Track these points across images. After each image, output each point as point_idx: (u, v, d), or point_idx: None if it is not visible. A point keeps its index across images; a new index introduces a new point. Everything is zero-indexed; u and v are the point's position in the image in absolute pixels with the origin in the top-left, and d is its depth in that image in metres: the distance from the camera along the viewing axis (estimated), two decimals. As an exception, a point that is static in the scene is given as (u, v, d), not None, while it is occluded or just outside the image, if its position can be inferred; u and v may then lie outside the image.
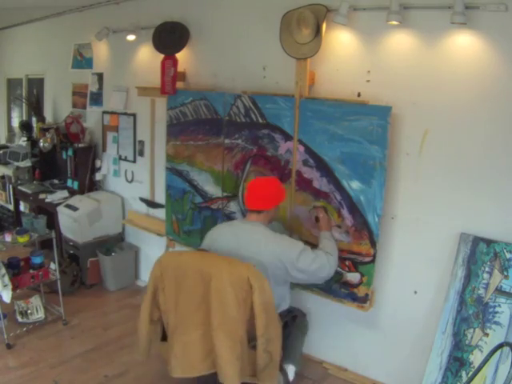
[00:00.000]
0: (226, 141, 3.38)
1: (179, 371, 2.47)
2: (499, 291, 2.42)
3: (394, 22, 2.57)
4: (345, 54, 2.89)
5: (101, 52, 4.59)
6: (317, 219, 2.90)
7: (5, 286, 3.26)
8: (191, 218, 3.68)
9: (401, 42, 2.67)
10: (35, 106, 5.36)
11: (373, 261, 2.78)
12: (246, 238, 2.65)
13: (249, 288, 2.31)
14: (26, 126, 5.54)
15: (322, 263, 2.62)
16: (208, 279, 2.34)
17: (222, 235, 2.76)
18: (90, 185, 4.65)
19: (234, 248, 2.62)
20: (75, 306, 3.89)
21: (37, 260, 3.58)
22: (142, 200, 4.28)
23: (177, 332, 2.48)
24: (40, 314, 3.63)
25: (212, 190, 3.53)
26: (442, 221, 2.64)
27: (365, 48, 2.80)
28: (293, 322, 2.84)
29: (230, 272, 2.34)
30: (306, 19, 2.82)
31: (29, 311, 3.64)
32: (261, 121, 3.16)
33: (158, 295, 2.53)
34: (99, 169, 4.68)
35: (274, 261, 2.58)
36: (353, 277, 2.87)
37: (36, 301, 3.71)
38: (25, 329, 3.48)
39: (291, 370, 2.76)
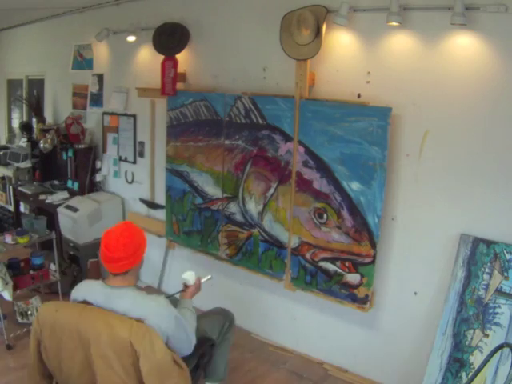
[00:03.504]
0: (226, 142, 3.38)
1: None
2: (499, 292, 2.42)
3: (394, 23, 2.57)
4: (345, 55, 2.89)
5: (101, 53, 4.59)
6: (185, 286, 2.49)
7: (6, 284, 3.26)
8: (191, 218, 3.69)
9: (401, 43, 2.67)
10: (35, 106, 5.37)
11: (373, 262, 2.78)
12: (117, 306, 2.08)
13: (134, 353, 1.94)
14: (26, 127, 5.55)
15: (191, 336, 2.24)
16: (87, 345, 1.98)
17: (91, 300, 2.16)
18: (90, 186, 4.65)
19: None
20: (75, 306, 3.89)
21: (37, 261, 3.58)
22: (142, 201, 4.28)
23: None
24: (40, 315, 3.63)
25: (212, 190, 3.53)
26: (442, 222, 2.64)
27: (365, 49, 2.81)
28: (210, 349, 2.52)
29: (110, 335, 1.94)
30: (306, 20, 2.82)
31: (29, 312, 3.63)
32: (261, 122, 3.16)
33: (42, 352, 2.15)
34: (99, 170, 4.68)
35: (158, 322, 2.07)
36: (353, 278, 2.87)
37: (36, 302, 3.70)
38: (25, 330, 3.48)
39: None
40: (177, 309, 2.25)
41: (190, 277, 2.49)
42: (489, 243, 2.48)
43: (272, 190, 3.18)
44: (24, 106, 5.97)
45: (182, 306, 2.38)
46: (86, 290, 2.20)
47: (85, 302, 2.13)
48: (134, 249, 2.12)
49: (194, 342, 2.25)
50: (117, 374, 1.96)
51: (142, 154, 4.27)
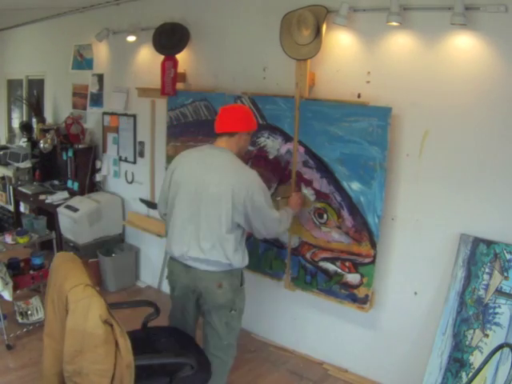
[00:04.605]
0: (226, 142, 3.38)
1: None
2: (499, 292, 2.42)
3: (394, 23, 2.57)
4: (345, 55, 2.89)
5: (101, 53, 4.59)
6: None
7: (6, 284, 3.26)
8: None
9: (401, 43, 2.67)
10: (35, 106, 5.37)
11: (373, 262, 2.78)
12: (214, 163, 2.45)
13: (67, 308, 2.02)
14: (26, 127, 5.54)
15: (275, 216, 2.53)
16: (52, 286, 2.20)
17: (187, 162, 2.55)
18: (90, 186, 4.65)
19: (200, 174, 2.44)
20: (75, 306, 3.89)
21: (37, 261, 3.58)
22: (142, 201, 4.28)
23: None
24: (40, 315, 3.62)
25: (212, 190, 3.52)
26: (442, 222, 2.64)
27: (365, 49, 2.81)
28: (190, 370, 2.28)
29: (60, 284, 2.10)
30: (306, 20, 2.82)
31: (29, 312, 3.63)
32: (261, 122, 3.16)
33: None
34: (99, 170, 4.68)
35: (237, 190, 2.37)
36: (353, 278, 2.87)
37: (36, 302, 3.70)
38: (25, 330, 3.48)
39: None
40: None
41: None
42: (489, 243, 2.48)
43: (272, 190, 3.18)
44: (24, 105, 5.97)
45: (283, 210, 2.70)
46: (183, 155, 2.61)
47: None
48: (242, 116, 2.53)
49: (277, 224, 2.55)
50: (55, 319, 2.12)
51: (142, 154, 4.27)
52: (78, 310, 1.98)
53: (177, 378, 2.24)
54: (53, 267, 2.30)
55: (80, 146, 4.62)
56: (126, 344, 2.05)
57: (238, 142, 2.53)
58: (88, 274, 2.18)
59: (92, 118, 4.79)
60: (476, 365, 2.39)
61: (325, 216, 2.94)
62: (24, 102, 5.83)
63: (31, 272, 3.53)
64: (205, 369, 2.39)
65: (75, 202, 4.36)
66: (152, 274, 4.34)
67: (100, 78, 4.63)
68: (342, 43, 2.89)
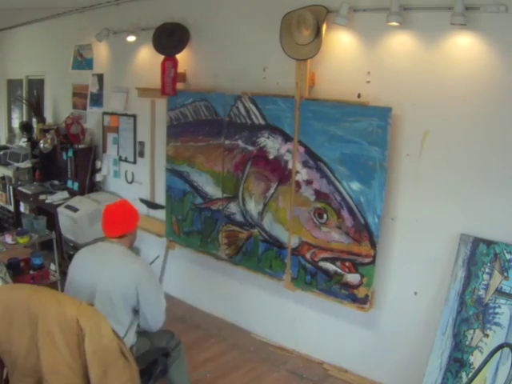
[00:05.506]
0: (226, 142, 3.38)
1: None
2: (499, 292, 2.41)
3: (394, 23, 2.57)
4: (345, 55, 2.89)
5: (101, 53, 4.59)
6: None
7: (6, 284, 3.25)
8: (191, 218, 3.68)
9: (401, 43, 2.67)
10: (35, 106, 5.37)
11: (373, 262, 2.78)
12: (109, 256, 2.46)
13: (80, 332, 1.95)
14: (26, 127, 5.54)
15: (163, 303, 2.53)
16: (35, 321, 2.00)
17: (83, 260, 2.54)
18: (90, 186, 4.65)
19: (96, 271, 2.40)
20: (75, 306, 3.88)
21: (37, 261, 3.58)
22: (142, 201, 4.28)
23: (12, 378, 2.14)
24: (40, 315, 3.62)
25: (212, 190, 3.53)
26: (442, 222, 2.64)
27: (365, 49, 2.81)
28: (164, 359, 2.56)
29: (58, 312, 1.97)
30: (306, 20, 2.82)
31: (29, 312, 3.63)
32: (261, 122, 3.16)
33: None
34: (99, 170, 4.68)
35: (131, 282, 2.37)
36: (353, 278, 2.87)
37: (36, 302, 3.70)
38: (25, 330, 3.48)
39: None
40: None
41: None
42: (489, 243, 2.47)
43: (272, 190, 3.18)
44: (24, 106, 5.97)
45: None
46: (82, 251, 2.64)
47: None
48: (128, 216, 2.59)
49: (163, 305, 2.52)
50: (60, 354, 1.96)
51: (142, 154, 4.27)
52: (93, 329, 1.94)
53: (154, 374, 2.47)
54: (12, 303, 2.09)
55: (80, 146, 4.62)
56: (127, 349, 2.10)
57: (129, 239, 2.60)
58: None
59: (92, 118, 4.79)
60: (476, 365, 2.39)
61: (325, 216, 2.94)
62: (24, 102, 5.83)
63: (31, 272, 3.53)
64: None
65: (75, 202, 4.36)
66: (152, 274, 4.33)
67: (100, 78, 4.63)
68: (342, 43, 2.89)
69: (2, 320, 2.09)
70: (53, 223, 4.33)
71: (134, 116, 4.27)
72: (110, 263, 2.43)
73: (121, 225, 2.53)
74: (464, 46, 2.45)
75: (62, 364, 1.97)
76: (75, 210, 4.23)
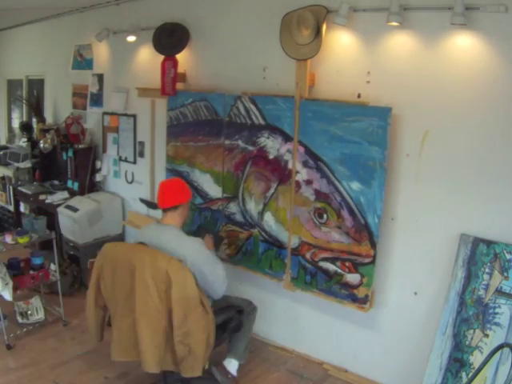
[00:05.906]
0: (226, 142, 3.38)
1: (116, 354, 2.63)
2: (499, 292, 2.42)
3: (394, 23, 2.57)
4: (345, 55, 2.89)
5: (101, 53, 4.59)
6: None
7: (6, 284, 3.26)
8: (191, 218, 3.68)
9: (401, 43, 2.67)
10: (35, 106, 5.37)
11: (373, 262, 2.78)
12: (164, 238, 2.69)
13: (168, 281, 2.40)
14: (26, 127, 5.54)
15: (221, 274, 2.73)
16: (133, 270, 2.46)
17: (145, 237, 2.79)
18: (90, 186, 4.65)
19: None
20: (75, 306, 3.88)
21: (37, 261, 3.58)
22: (142, 201, 4.27)
23: (114, 318, 2.65)
24: (40, 315, 3.63)
25: (212, 190, 3.53)
26: (442, 222, 2.64)
27: (365, 49, 2.81)
28: (238, 316, 2.91)
29: (151, 265, 2.44)
30: (306, 20, 2.82)
31: (29, 312, 3.63)
32: (261, 122, 3.16)
33: (101, 283, 2.68)
34: (99, 170, 4.68)
35: (193, 255, 2.63)
36: (353, 278, 2.87)
37: (36, 302, 3.71)
38: (25, 330, 3.48)
39: (233, 365, 2.90)
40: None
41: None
42: (489, 243, 2.48)
43: (272, 190, 3.18)
44: (24, 106, 5.97)
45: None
46: (145, 231, 2.87)
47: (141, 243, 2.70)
48: (181, 188, 2.81)
49: (221, 276, 2.71)
50: (152, 298, 2.42)
51: (142, 154, 4.27)
52: (179, 280, 2.40)
53: (228, 329, 2.84)
54: (116, 257, 2.60)
55: (80, 146, 4.62)
56: (207, 301, 2.54)
57: (182, 214, 2.81)
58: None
59: (92, 118, 4.79)
60: (476, 365, 2.39)
61: (325, 216, 2.94)
62: (24, 102, 5.83)
63: (31, 272, 3.53)
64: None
65: (75, 202, 4.36)
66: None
67: (100, 78, 4.63)
68: (341, 43, 2.89)
69: (109, 270, 2.60)
70: (53, 223, 4.34)
71: (134, 116, 4.27)
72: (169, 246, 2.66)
73: (173, 195, 2.75)
74: (464, 46, 2.45)
75: (151, 307, 2.43)
76: (75, 210, 4.23)
